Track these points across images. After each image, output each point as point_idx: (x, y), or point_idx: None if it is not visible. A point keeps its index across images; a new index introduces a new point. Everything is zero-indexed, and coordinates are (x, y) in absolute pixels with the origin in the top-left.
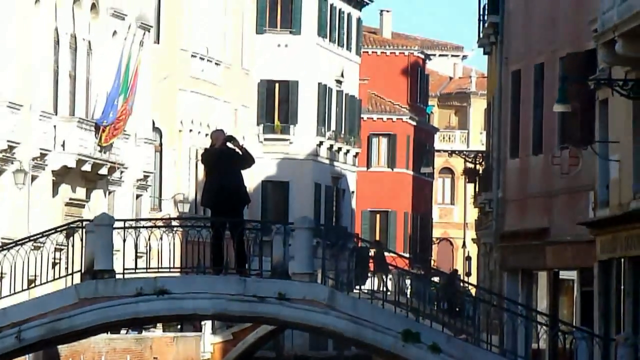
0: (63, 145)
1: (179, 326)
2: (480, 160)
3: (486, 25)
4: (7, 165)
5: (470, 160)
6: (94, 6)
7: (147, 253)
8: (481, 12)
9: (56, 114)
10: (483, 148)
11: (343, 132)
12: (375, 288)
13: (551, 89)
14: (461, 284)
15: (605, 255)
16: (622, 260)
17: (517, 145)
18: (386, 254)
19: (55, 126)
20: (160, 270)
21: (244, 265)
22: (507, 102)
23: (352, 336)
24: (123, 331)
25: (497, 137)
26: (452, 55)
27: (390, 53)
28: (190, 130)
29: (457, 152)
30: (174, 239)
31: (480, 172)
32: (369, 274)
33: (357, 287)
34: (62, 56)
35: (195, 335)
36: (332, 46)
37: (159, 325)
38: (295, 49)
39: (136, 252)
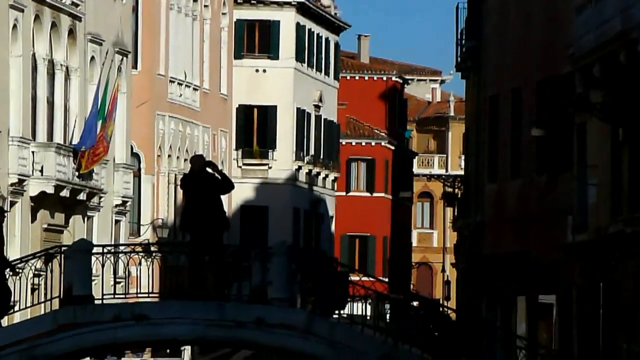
0: (41, 171)
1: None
2: (459, 184)
3: (464, 49)
4: None
5: (449, 184)
6: (71, 32)
7: (125, 278)
8: (459, 37)
9: (34, 140)
10: (462, 172)
11: (322, 156)
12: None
13: (528, 113)
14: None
15: (584, 280)
16: (600, 284)
17: (495, 169)
18: (365, 278)
19: (33, 152)
20: (138, 295)
21: (224, 289)
22: (485, 126)
23: None
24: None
25: (475, 162)
26: (430, 80)
27: (369, 78)
28: (169, 156)
29: (435, 177)
30: (152, 265)
31: (459, 196)
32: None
33: (337, 311)
34: (40, 82)
35: None
36: (310, 71)
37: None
38: (273, 74)
39: (115, 277)
